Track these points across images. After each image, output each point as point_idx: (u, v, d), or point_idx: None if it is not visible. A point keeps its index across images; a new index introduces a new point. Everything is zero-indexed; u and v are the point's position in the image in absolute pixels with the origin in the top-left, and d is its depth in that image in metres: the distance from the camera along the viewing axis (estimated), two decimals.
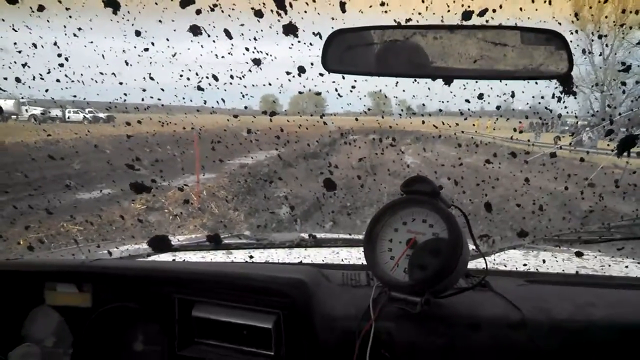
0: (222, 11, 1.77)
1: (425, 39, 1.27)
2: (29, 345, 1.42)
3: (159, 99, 2.63)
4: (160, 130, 4.56)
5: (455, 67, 1.29)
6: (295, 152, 11.33)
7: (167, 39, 2.28)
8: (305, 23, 1.69)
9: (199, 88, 2.10)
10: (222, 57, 2.27)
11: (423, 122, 3.32)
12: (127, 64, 2.18)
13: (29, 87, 2.00)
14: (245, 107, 3.20)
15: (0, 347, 1.42)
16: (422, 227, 1.20)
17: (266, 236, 2.08)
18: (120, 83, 2.37)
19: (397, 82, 1.69)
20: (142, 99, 2.54)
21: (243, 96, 2.55)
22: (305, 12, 1.79)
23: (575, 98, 1.61)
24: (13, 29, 1.82)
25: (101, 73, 2.39)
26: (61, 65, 1.95)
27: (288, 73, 1.93)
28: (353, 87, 2.15)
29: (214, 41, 1.92)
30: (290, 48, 1.86)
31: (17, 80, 1.91)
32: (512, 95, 1.93)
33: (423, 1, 1.83)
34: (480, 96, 1.89)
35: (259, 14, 1.70)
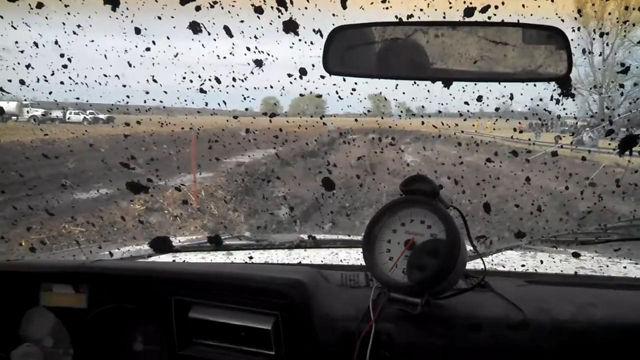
0: (222, 7, 1.76)
1: (426, 37, 1.28)
2: (30, 345, 1.42)
3: (160, 101, 2.64)
4: (158, 131, 4.55)
5: (455, 69, 1.30)
6: (293, 151, 11.33)
7: (168, 37, 2.28)
8: (306, 19, 1.69)
9: (202, 91, 2.11)
10: (224, 57, 2.27)
11: (423, 123, 3.32)
12: (130, 65, 2.19)
13: (33, 89, 2.01)
14: (246, 109, 3.21)
15: (1, 346, 1.42)
16: (420, 228, 1.20)
17: (266, 237, 2.09)
18: (124, 85, 2.37)
19: (397, 85, 1.69)
20: (145, 101, 2.56)
21: (245, 98, 2.55)
22: (306, 8, 1.79)
23: (573, 100, 1.61)
24: (12, 26, 1.82)
25: (105, 75, 2.40)
26: (65, 66, 1.95)
27: (290, 75, 1.93)
28: (353, 89, 2.16)
29: (214, 40, 1.92)
30: (291, 47, 1.87)
31: (22, 82, 1.91)
32: (511, 98, 1.94)
33: None
34: (479, 98, 1.90)
35: (259, 10, 1.70)
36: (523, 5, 1.79)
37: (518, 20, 1.36)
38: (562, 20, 1.76)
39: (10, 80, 1.91)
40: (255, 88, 2.50)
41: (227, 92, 2.27)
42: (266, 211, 7.44)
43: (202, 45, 2.05)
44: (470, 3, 1.51)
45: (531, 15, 1.67)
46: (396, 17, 1.37)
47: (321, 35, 1.62)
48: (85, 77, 2.19)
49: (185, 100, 2.56)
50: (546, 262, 1.72)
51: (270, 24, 1.71)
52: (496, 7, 1.55)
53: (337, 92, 2.24)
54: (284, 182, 8.28)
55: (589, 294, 1.35)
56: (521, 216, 3.55)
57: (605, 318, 1.18)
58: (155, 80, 2.24)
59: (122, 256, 1.78)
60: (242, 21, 1.90)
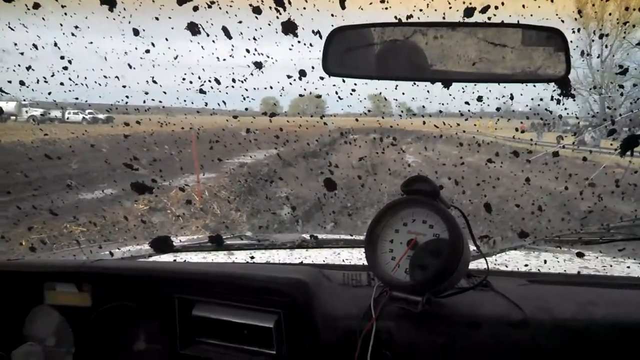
0: (220, 8, 1.77)
1: (425, 38, 1.28)
2: (32, 344, 1.43)
3: (160, 101, 2.64)
4: (158, 130, 4.55)
5: (454, 70, 1.30)
6: (294, 152, 11.33)
7: (167, 39, 2.28)
8: (305, 20, 1.69)
9: (201, 91, 2.12)
10: (224, 59, 2.28)
11: (424, 123, 3.32)
12: (130, 67, 2.19)
13: (32, 89, 2.01)
14: (246, 109, 3.21)
15: (2, 346, 1.43)
16: (423, 228, 1.20)
17: (267, 237, 2.08)
18: (124, 86, 2.37)
19: (397, 85, 1.69)
20: (144, 101, 2.56)
21: (244, 99, 2.55)
22: (304, 8, 1.79)
23: (574, 100, 1.61)
24: (10, 27, 1.82)
25: (105, 76, 2.40)
26: (65, 68, 1.96)
27: (289, 77, 1.94)
28: (353, 90, 2.16)
29: (213, 41, 1.93)
30: (290, 49, 1.87)
31: (22, 83, 1.92)
32: (511, 98, 1.94)
33: None
34: (480, 98, 1.90)
35: (257, 10, 1.70)
36: (523, 6, 1.78)
37: (518, 21, 1.35)
38: (562, 21, 1.76)
39: (10, 82, 1.91)
40: (254, 89, 2.50)
41: (227, 93, 2.27)
42: (268, 211, 7.44)
43: (202, 47, 2.06)
44: (470, 3, 1.50)
45: (531, 15, 1.67)
46: (395, 17, 1.37)
47: (320, 37, 1.62)
48: (86, 78, 2.20)
49: (185, 101, 2.57)
50: (550, 262, 1.72)
51: (269, 25, 1.72)
52: (496, 7, 1.55)
53: (336, 93, 2.25)
54: (286, 182, 8.28)
55: (591, 293, 1.35)
56: (523, 216, 3.54)
57: (607, 317, 1.18)
58: (155, 82, 2.25)
59: (122, 256, 1.79)
60: (240, 22, 1.91)
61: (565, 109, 1.91)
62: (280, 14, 1.60)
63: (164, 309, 1.35)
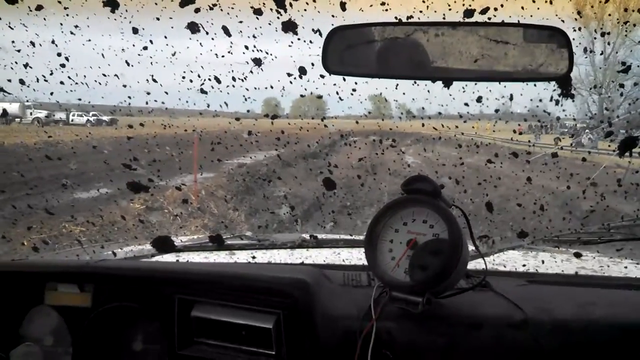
0: (221, 9, 1.77)
1: (426, 35, 1.27)
2: (30, 344, 1.42)
3: (162, 103, 2.63)
4: (161, 133, 4.56)
5: (455, 68, 1.29)
6: (294, 153, 11.34)
7: (165, 37, 2.28)
8: (305, 20, 1.69)
9: (202, 91, 2.11)
10: (222, 56, 2.27)
11: (423, 125, 3.32)
12: (128, 64, 2.18)
13: (34, 89, 2.00)
14: (248, 111, 3.22)
15: (1, 346, 1.43)
16: (423, 228, 1.20)
17: (268, 237, 2.09)
18: (124, 86, 2.37)
19: (397, 85, 1.69)
20: (147, 102, 2.55)
21: (246, 99, 2.54)
22: (305, 10, 1.78)
23: (573, 101, 1.61)
24: (9, 27, 1.82)
25: (104, 75, 2.39)
26: (62, 65, 1.94)
27: (289, 75, 1.93)
28: (354, 89, 2.16)
29: (212, 39, 1.92)
30: (290, 46, 1.86)
31: (21, 82, 1.91)
32: (511, 98, 1.94)
33: (424, 0, 1.82)
34: (479, 99, 1.90)
35: (258, 12, 1.70)
36: (522, 7, 1.78)
37: (518, 21, 1.35)
38: (563, 21, 1.76)
39: (10, 80, 1.91)
40: (255, 88, 2.50)
41: (228, 93, 2.27)
42: (267, 210, 7.44)
43: (200, 44, 2.05)
44: (470, 5, 1.50)
45: (531, 16, 1.66)
46: (396, 18, 1.37)
47: (320, 35, 1.62)
48: (85, 76, 2.19)
49: (187, 102, 2.57)
50: (547, 262, 1.72)
51: (270, 24, 1.71)
52: (495, 9, 1.54)
53: (337, 93, 2.25)
54: (285, 182, 8.28)
55: (590, 293, 1.36)
56: (524, 215, 3.54)
57: (606, 317, 1.19)
58: (155, 80, 2.24)
59: (125, 256, 1.79)
60: (240, 22, 1.91)
61: (564, 110, 1.92)
62: (281, 15, 1.60)
63: (164, 310, 1.35)
